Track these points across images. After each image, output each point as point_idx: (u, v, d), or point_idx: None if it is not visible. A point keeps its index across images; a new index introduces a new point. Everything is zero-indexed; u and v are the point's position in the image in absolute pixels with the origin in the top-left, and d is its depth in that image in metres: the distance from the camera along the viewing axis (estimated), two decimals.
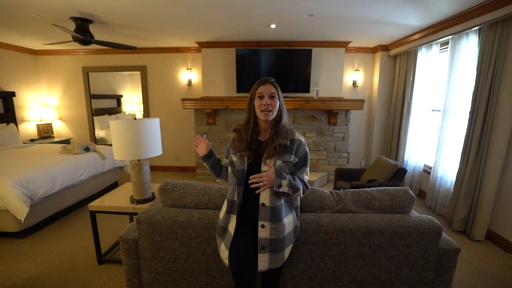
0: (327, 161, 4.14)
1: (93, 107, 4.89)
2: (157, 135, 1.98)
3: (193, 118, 4.31)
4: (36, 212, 2.52)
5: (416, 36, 3.29)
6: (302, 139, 1.29)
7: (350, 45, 4.02)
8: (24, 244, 2.39)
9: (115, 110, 6.01)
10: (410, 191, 1.52)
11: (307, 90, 3.92)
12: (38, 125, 4.49)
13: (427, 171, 3.45)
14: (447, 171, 2.98)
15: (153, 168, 4.88)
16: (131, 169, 1.95)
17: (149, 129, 1.90)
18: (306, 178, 1.31)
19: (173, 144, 4.79)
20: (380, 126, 4.32)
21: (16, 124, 4.08)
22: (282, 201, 1.23)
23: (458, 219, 2.62)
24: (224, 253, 1.24)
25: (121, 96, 7.70)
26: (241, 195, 1.24)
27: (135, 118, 1.90)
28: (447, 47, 3.05)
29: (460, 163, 2.69)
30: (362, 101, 3.73)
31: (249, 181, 1.14)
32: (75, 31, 2.79)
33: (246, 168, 1.24)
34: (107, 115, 5.52)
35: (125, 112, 7.46)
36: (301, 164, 1.28)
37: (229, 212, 1.26)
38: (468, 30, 2.57)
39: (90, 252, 2.19)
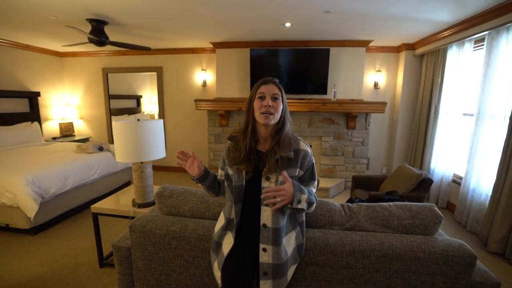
0: (345, 167, 3.90)
1: (113, 107, 5.01)
2: (160, 137, 1.91)
3: (206, 120, 4.26)
4: (48, 209, 2.56)
5: (445, 33, 2.99)
6: (308, 149, 1.13)
7: (371, 44, 3.77)
8: (34, 241, 2.43)
9: (135, 110, 6.13)
10: (436, 209, 1.31)
11: (324, 92, 3.72)
12: (60, 124, 4.67)
13: (457, 181, 3.11)
14: (481, 182, 2.66)
15: (166, 169, 4.90)
16: (133, 172, 1.90)
17: (152, 131, 1.84)
18: (314, 191, 1.16)
19: (187, 145, 4.78)
20: (403, 130, 4.01)
21: (40, 123, 4.26)
22: (285, 221, 1.09)
23: (495, 239, 2.30)
24: (217, 272, 1.12)
25: (141, 96, 7.91)
26: (239, 214, 1.11)
27: (138, 120, 1.84)
28: (482, 45, 2.73)
29: (497, 174, 2.37)
30: (384, 103, 3.46)
31: (263, 196, 0.98)
32: (91, 32, 2.82)
33: (244, 184, 1.10)
34: (126, 115, 5.64)
35: (144, 112, 7.65)
36: (308, 177, 1.13)
37: (225, 229, 1.15)
38: (509, 24, 2.26)
39: (93, 254, 2.16)
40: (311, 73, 3.71)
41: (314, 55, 3.63)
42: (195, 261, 1.31)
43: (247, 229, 1.12)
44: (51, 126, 4.64)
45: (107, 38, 2.90)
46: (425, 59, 3.61)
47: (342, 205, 1.43)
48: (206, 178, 1.14)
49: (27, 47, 4.11)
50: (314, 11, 2.53)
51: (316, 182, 1.16)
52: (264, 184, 1.06)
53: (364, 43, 3.64)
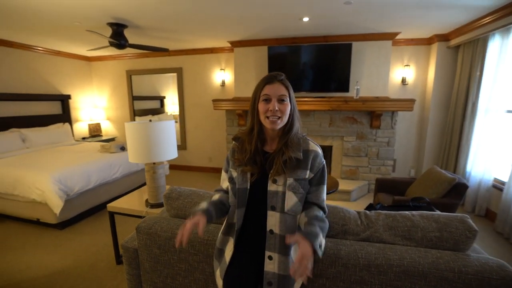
0: (368, 169, 3.67)
1: (137, 108, 5.20)
2: (171, 137, 1.90)
3: (225, 120, 4.26)
4: (72, 206, 2.69)
5: (486, 20, 2.67)
6: (318, 149, 1.04)
7: (398, 36, 3.50)
8: (61, 235, 2.57)
9: (158, 110, 6.33)
10: (470, 220, 1.14)
11: (346, 89, 3.52)
12: (89, 125, 4.95)
13: (498, 187, 2.78)
14: None
15: (187, 168, 4.99)
16: (146, 172, 1.91)
17: (164, 131, 1.83)
18: (324, 199, 1.06)
19: (206, 145, 4.82)
20: (435, 129, 3.68)
21: (71, 124, 4.54)
22: (296, 229, 1.00)
23: None
24: (219, 280, 1.07)
25: (164, 97, 8.16)
26: (241, 219, 1.03)
27: (150, 120, 1.85)
28: None
29: None
30: (412, 100, 3.20)
31: (291, 273, 0.80)
32: (111, 36, 2.92)
33: (249, 187, 1.02)
34: (150, 116, 5.84)
35: (167, 112, 7.89)
36: (318, 180, 1.03)
37: (226, 234, 1.09)
38: None
39: (111, 251, 2.23)
40: (332, 70, 3.53)
41: (335, 51, 3.45)
42: (199, 266, 1.27)
43: (251, 235, 1.05)
44: (81, 127, 4.93)
45: (126, 41, 2.99)
46: (461, 51, 3.27)
47: (358, 213, 1.31)
48: (212, 218, 1.02)
49: (58, 53, 4.40)
50: (333, 3, 2.39)
51: (325, 186, 1.06)
52: (271, 187, 0.98)
53: (390, 36, 3.39)
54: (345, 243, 1.14)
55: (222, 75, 4.46)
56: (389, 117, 3.46)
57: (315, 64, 3.56)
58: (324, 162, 1.05)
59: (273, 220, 0.98)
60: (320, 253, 0.87)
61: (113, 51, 4.44)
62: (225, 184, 1.13)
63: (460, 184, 2.23)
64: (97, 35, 2.66)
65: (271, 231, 0.98)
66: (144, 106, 5.37)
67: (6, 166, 2.78)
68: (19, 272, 2.03)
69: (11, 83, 3.82)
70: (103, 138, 4.93)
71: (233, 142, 1.11)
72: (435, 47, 3.54)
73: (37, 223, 2.74)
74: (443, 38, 3.42)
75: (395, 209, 1.72)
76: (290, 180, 0.97)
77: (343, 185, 3.49)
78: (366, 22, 2.96)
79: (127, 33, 3.14)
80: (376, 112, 3.34)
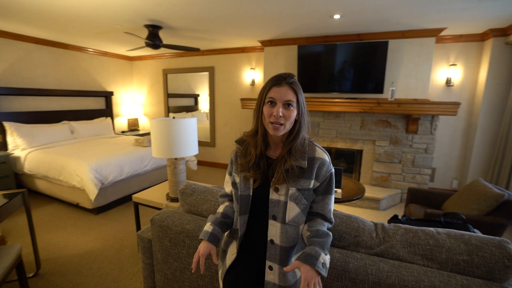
0: (402, 177, 3.39)
1: (173, 105, 5.48)
2: (193, 135, 1.95)
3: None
4: (107, 194, 2.93)
5: None
6: (326, 157, 0.95)
7: (443, 33, 3.16)
8: (95, 220, 2.81)
9: (192, 108, 6.61)
10: (510, 246, 0.98)
11: (380, 91, 3.29)
12: (128, 119, 5.35)
13: None
14: None
15: (215, 165, 5.12)
16: (167, 167, 2.00)
17: (185, 128, 1.89)
18: (330, 209, 0.98)
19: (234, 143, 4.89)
20: (484, 137, 3.26)
21: (112, 118, 4.95)
22: (298, 240, 0.96)
23: None
24: (220, 281, 1.07)
25: (198, 95, 8.48)
26: (244, 226, 1.00)
27: (173, 117, 1.92)
28: None
29: None
30: (456, 104, 2.86)
31: None
32: (148, 37, 3.10)
33: (251, 194, 0.98)
34: (184, 113, 6.11)
35: (200, 110, 8.19)
36: (324, 190, 0.96)
37: (230, 236, 1.08)
38: None
39: (135, 239, 2.37)
40: (365, 70, 3.33)
41: (369, 50, 3.24)
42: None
43: (254, 243, 1.01)
44: (121, 121, 5.35)
45: (161, 41, 3.15)
46: None
47: (375, 224, 1.21)
48: (219, 239, 1.01)
49: (105, 53, 4.82)
50: None
51: (333, 196, 0.99)
52: (273, 196, 0.93)
53: (433, 32, 3.08)
54: (355, 256, 1.06)
55: (252, 74, 4.48)
56: (428, 122, 3.15)
57: (347, 64, 3.38)
58: (333, 171, 0.97)
59: (274, 230, 0.94)
60: (324, 272, 0.82)
61: (150, 51, 4.73)
62: (228, 187, 1.10)
63: (511, 201, 1.94)
64: (134, 37, 2.84)
65: (272, 241, 0.94)
66: (179, 103, 5.63)
67: (55, 154, 3.13)
68: (59, 249, 2.27)
69: (66, 81, 4.29)
70: (140, 132, 5.28)
71: (236, 145, 1.06)
72: (489, 43, 3.12)
73: (77, 206, 3.04)
74: (500, 33, 3.00)
75: (423, 224, 1.56)
76: (292, 190, 0.91)
77: (372, 193, 3.27)
78: (404, 18, 2.72)
79: (162, 34, 3.31)
80: (413, 116, 3.06)
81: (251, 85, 4.53)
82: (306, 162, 0.92)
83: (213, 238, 0.98)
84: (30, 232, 1.94)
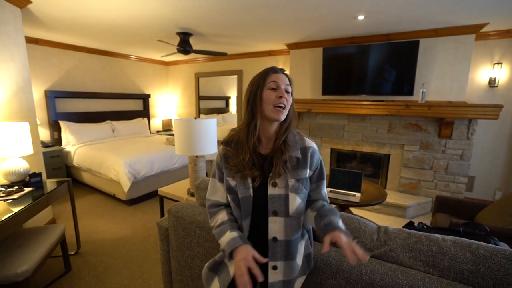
0: (433, 184, 3.16)
1: (204, 107, 5.77)
2: (213, 134, 2.08)
3: None
4: (139, 187, 3.22)
5: None
6: (314, 145, 0.98)
7: (486, 28, 2.89)
8: (128, 210, 3.11)
9: (223, 110, 6.87)
10: None
11: (410, 93, 3.12)
12: (163, 120, 5.76)
13: None
14: None
15: None
16: (189, 164, 2.15)
17: (205, 128, 2.03)
18: (325, 192, 1.01)
19: None
20: None
21: (148, 119, 5.39)
22: (300, 232, 0.96)
23: None
24: None
25: (229, 97, 8.75)
26: (248, 230, 0.95)
27: (195, 118, 2.07)
28: None
29: None
30: (498, 106, 2.61)
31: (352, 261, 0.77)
32: (179, 44, 3.35)
33: (252, 194, 0.93)
34: (215, 114, 6.39)
35: (231, 112, 8.45)
36: (317, 177, 0.99)
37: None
38: None
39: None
40: (393, 72, 3.18)
41: (398, 50, 3.09)
42: (214, 252, 1.37)
43: (254, 244, 0.93)
44: (157, 122, 5.78)
45: (191, 47, 3.38)
46: None
47: (378, 227, 1.20)
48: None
49: (145, 59, 5.27)
50: None
51: (325, 181, 1.01)
52: (272, 191, 0.91)
53: (472, 29, 2.84)
54: None
55: None
56: (465, 126, 2.90)
57: (375, 65, 3.27)
58: (321, 158, 1.00)
59: (276, 227, 0.91)
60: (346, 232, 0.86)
61: (183, 57, 5.06)
62: (219, 195, 1.01)
63: None
64: (166, 44, 3.10)
65: (275, 239, 0.91)
66: (210, 105, 5.90)
67: (98, 150, 3.53)
68: (96, 234, 2.57)
69: (110, 84, 4.79)
70: (173, 132, 5.66)
71: (223, 147, 0.99)
72: None
73: (113, 197, 3.39)
74: None
75: (440, 233, 1.47)
76: (292, 181, 0.91)
77: (398, 199, 3.11)
78: (436, 15, 2.56)
79: (192, 40, 3.55)
80: (446, 119, 2.85)
81: None
82: (299, 152, 0.93)
83: (246, 239, 0.92)
84: (73, 216, 2.24)
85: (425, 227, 1.54)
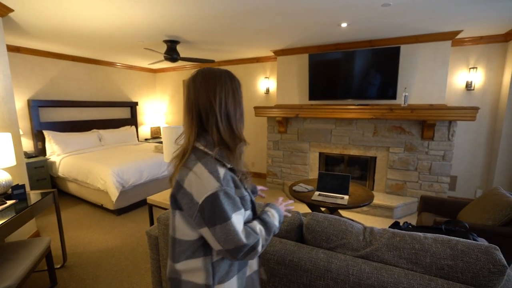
0: (418, 185, 3.27)
1: None
2: None
3: (267, 126, 4.37)
4: (127, 197, 3.17)
5: None
6: None
7: (461, 35, 3.06)
8: (117, 220, 3.04)
9: None
10: (498, 252, 0.97)
11: (393, 97, 3.24)
12: (151, 128, 5.70)
13: None
14: None
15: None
16: None
17: None
18: None
19: (250, 150, 5.00)
20: (510, 143, 3.05)
21: (136, 127, 5.32)
22: None
23: None
24: None
25: None
26: None
27: (183, 125, 2.08)
28: None
29: None
30: (475, 108, 2.74)
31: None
32: (166, 51, 3.36)
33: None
34: None
35: None
36: None
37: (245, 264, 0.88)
38: None
39: None
40: (376, 76, 3.30)
41: (380, 56, 3.21)
42: None
43: None
44: (145, 130, 5.71)
45: (178, 54, 3.39)
46: None
47: (364, 228, 1.24)
48: None
49: (131, 67, 5.23)
50: (369, 7, 2.27)
51: None
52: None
53: (448, 36, 2.99)
54: (338, 257, 1.10)
55: (266, 83, 4.60)
56: (445, 128, 3.03)
57: (359, 71, 3.38)
58: None
59: None
60: None
61: (170, 64, 5.05)
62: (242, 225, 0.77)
63: None
64: (153, 52, 3.10)
65: None
66: None
67: (84, 159, 3.46)
68: (83, 245, 2.50)
69: (97, 93, 4.72)
70: (162, 140, 5.60)
71: (225, 169, 0.77)
72: None
73: (101, 207, 3.31)
74: None
75: (423, 231, 1.53)
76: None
77: (386, 201, 3.19)
78: (415, 23, 2.69)
79: (179, 47, 3.56)
80: (428, 122, 2.96)
81: (265, 93, 4.65)
82: None
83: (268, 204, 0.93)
84: (59, 228, 2.18)
85: (410, 226, 1.59)
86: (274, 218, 0.86)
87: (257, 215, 0.88)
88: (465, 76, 3.26)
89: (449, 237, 1.08)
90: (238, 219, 0.74)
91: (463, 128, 3.34)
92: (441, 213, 2.36)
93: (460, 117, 2.81)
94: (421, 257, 1.03)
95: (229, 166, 0.79)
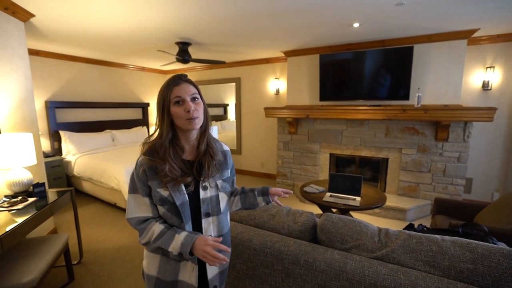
0: (432, 187, 3.20)
1: None
2: None
3: (277, 127, 4.37)
4: None
5: None
6: (228, 148, 1.09)
7: (477, 34, 2.98)
8: None
9: (222, 117, 6.92)
10: None
11: (406, 97, 3.19)
12: None
13: None
14: None
15: (241, 172, 5.28)
16: None
17: None
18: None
19: (260, 150, 5.02)
20: None
21: (147, 127, 5.42)
22: (228, 223, 1.05)
23: None
24: None
25: (227, 105, 8.80)
26: None
27: None
28: None
29: None
30: (492, 109, 2.67)
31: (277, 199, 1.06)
32: (178, 53, 3.41)
33: (187, 199, 0.91)
34: (214, 122, 6.44)
35: (229, 119, 8.49)
36: (232, 174, 1.09)
37: (179, 259, 0.91)
38: None
39: None
40: (389, 77, 3.25)
41: (393, 56, 3.17)
42: None
43: None
44: None
45: (190, 56, 3.44)
46: None
47: (379, 229, 1.23)
48: None
49: (143, 69, 5.34)
50: (382, 7, 2.25)
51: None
52: (204, 195, 0.93)
53: (464, 34, 2.92)
54: (354, 258, 1.10)
55: (276, 84, 4.61)
56: (460, 129, 2.96)
57: (371, 71, 3.34)
58: None
59: (209, 226, 0.94)
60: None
61: (182, 66, 5.12)
62: (141, 210, 0.92)
63: None
64: (165, 54, 3.16)
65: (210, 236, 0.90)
66: (209, 113, 5.95)
67: (98, 159, 3.55)
68: (97, 243, 2.57)
69: (110, 94, 4.84)
70: None
71: (146, 157, 0.91)
72: None
73: (114, 206, 3.39)
74: None
75: (439, 234, 1.50)
76: (219, 182, 0.98)
77: (398, 203, 3.14)
78: (429, 22, 2.64)
79: (191, 49, 3.61)
80: (443, 123, 2.90)
81: (275, 94, 4.66)
82: (221, 155, 1.01)
83: (195, 232, 0.91)
84: (76, 226, 2.25)
85: (425, 228, 1.56)
86: (174, 243, 0.85)
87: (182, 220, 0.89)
88: (482, 76, 3.18)
89: (468, 240, 1.06)
90: (132, 197, 0.93)
91: (479, 129, 3.25)
92: (456, 216, 2.31)
93: (476, 117, 2.74)
94: (439, 260, 1.02)
95: (150, 157, 0.91)
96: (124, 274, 2.08)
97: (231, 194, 1.09)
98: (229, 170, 1.04)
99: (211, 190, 0.95)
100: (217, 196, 0.97)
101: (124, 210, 3.29)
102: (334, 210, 2.52)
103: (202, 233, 0.92)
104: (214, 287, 0.98)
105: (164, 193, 0.89)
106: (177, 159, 0.91)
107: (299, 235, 1.29)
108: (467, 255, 1.00)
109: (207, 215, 0.94)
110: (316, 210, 3.11)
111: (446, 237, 1.09)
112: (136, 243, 2.54)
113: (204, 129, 0.96)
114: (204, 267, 0.94)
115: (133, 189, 0.93)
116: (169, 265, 0.92)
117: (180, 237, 0.85)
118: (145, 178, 0.90)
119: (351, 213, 2.82)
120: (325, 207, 2.43)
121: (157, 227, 0.89)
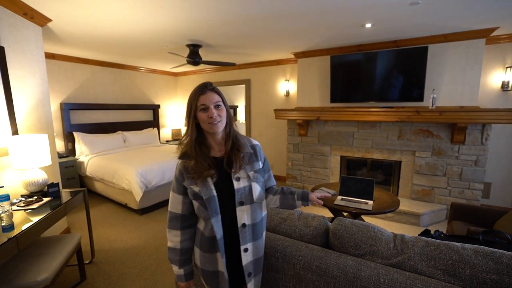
0: (447, 191, 3.09)
1: None
2: None
3: (287, 128, 4.34)
4: (150, 197, 3.26)
5: None
6: (258, 142, 1.17)
7: (496, 32, 2.87)
8: (140, 219, 3.14)
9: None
10: None
11: (420, 99, 3.10)
12: (172, 130, 5.85)
13: None
14: None
15: None
16: None
17: None
18: (274, 179, 1.25)
19: (269, 152, 4.99)
20: None
21: (158, 129, 5.49)
22: (262, 213, 1.11)
23: None
24: None
25: (237, 106, 8.80)
26: (221, 228, 1.01)
27: None
28: None
29: None
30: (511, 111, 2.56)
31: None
32: (189, 55, 3.44)
33: (216, 194, 0.99)
34: None
35: (239, 121, 8.50)
36: (266, 168, 1.17)
37: (210, 250, 1.03)
38: None
39: None
40: (402, 78, 3.18)
41: (406, 57, 3.09)
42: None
43: (226, 232, 1.03)
44: (166, 131, 5.88)
45: (200, 58, 3.46)
46: None
47: (395, 235, 1.19)
48: (192, 271, 1.13)
49: (154, 71, 5.42)
50: (396, 6, 2.20)
51: (271, 171, 1.23)
52: (237, 185, 1.01)
53: (482, 33, 2.82)
54: (368, 264, 1.06)
55: (286, 85, 4.59)
56: (478, 131, 2.85)
57: (384, 72, 3.27)
58: None
59: (244, 214, 1.02)
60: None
61: (191, 67, 5.17)
62: (174, 207, 1.06)
63: None
64: (176, 56, 3.19)
65: (244, 225, 1.02)
66: None
67: (110, 160, 3.61)
68: (109, 243, 2.60)
69: (121, 96, 4.93)
70: None
71: (181, 161, 1.04)
72: None
73: (125, 207, 3.43)
74: None
75: (458, 241, 1.44)
76: (251, 173, 1.05)
77: (411, 207, 3.05)
78: (445, 21, 2.57)
79: (201, 51, 3.64)
80: (459, 125, 2.80)
81: (285, 96, 4.63)
82: (250, 148, 1.09)
83: (189, 276, 1.11)
84: (88, 225, 2.29)
85: (442, 235, 1.50)
86: (173, 268, 1.11)
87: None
88: (501, 76, 3.06)
89: (491, 249, 1.00)
90: (171, 195, 1.07)
91: (498, 132, 3.13)
92: (474, 222, 2.22)
93: (495, 119, 2.63)
94: (460, 269, 0.97)
95: (183, 160, 1.04)
96: (134, 275, 2.10)
97: (270, 191, 1.19)
98: (260, 162, 1.11)
99: (243, 181, 1.03)
100: (250, 186, 1.04)
101: (134, 210, 3.33)
102: (345, 213, 2.46)
103: (236, 220, 1.02)
104: (249, 274, 1.05)
105: (196, 189, 1.00)
106: (203, 155, 1.02)
107: (311, 240, 1.26)
108: (490, 265, 0.94)
109: (241, 203, 1.02)
110: (327, 213, 3.06)
111: (467, 245, 1.04)
112: (146, 244, 2.56)
113: (229, 129, 1.06)
114: (239, 256, 1.03)
115: (172, 187, 1.08)
116: (206, 257, 1.04)
117: (177, 271, 1.10)
118: (181, 178, 1.03)
119: (363, 217, 2.76)
120: (336, 211, 2.38)
121: (175, 241, 1.08)
